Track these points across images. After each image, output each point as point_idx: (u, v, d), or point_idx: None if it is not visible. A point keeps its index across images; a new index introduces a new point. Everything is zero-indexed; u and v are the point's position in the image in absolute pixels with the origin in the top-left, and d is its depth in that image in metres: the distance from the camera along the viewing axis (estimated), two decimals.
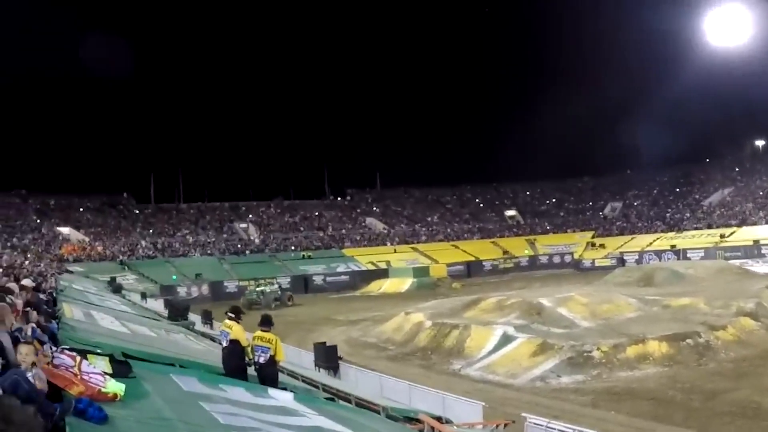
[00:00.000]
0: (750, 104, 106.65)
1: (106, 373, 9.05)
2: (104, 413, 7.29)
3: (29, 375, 7.22)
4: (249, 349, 15.88)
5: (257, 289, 73.93)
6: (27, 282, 19.06)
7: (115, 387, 8.37)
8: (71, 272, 66.87)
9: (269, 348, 15.74)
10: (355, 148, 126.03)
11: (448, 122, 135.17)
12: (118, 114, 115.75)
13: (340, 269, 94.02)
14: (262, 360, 15.76)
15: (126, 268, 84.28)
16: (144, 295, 57.67)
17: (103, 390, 8.07)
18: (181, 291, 77.21)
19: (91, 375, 8.73)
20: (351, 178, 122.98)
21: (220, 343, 17.02)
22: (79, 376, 8.48)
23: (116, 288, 58.74)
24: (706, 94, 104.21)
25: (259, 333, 16.02)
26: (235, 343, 15.90)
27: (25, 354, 7.93)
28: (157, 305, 50.54)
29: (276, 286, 78.56)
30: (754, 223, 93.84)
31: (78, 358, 9.69)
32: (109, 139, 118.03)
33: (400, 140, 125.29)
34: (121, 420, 7.51)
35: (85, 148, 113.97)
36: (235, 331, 16.00)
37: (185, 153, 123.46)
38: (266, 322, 16.42)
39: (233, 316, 16.49)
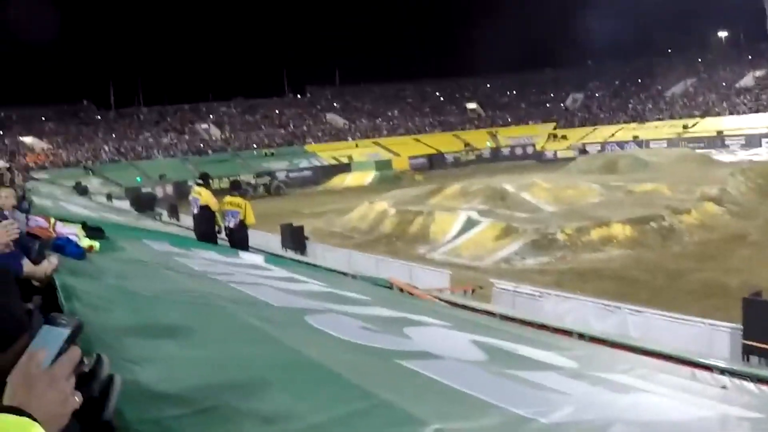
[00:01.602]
0: None
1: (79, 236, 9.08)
2: (82, 250, 7.35)
3: (6, 213, 7.26)
4: (219, 214, 15.96)
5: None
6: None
7: (90, 242, 8.42)
8: (36, 179, 66.39)
9: (239, 212, 15.82)
10: (314, 44, 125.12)
11: (407, 16, 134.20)
12: (73, 20, 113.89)
13: (303, 165, 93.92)
14: (232, 224, 15.85)
15: (90, 173, 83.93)
16: (110, 197, 57.55)
17: (78, 243, 8.10)
18: (146, 191, 77.10)
19: (65, 232, 8.77)
20: (310, 75, 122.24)
21: (192, 212, 17.08)
22: (54, 233, 8.53)
23: (82, 191, 58.54)
24: None
25: (228, 198, 16.10)
26: (204, 209, 15.95)
27: (5, 197, 7.99)
28: (124, 204, 50.48)
29: (266, 177, 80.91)
30: (718, 114, 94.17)
31: (52, 220, 9.73)
32: (66, 47, 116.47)
33: (358, 35, 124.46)
34: (98, 259, 7.56)
35: (41, 58, 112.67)
36: (205, 196, 16.03)
37: (143, 56, 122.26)
38: (235, 187, 16.47)
39: (201, 182, 16.50)
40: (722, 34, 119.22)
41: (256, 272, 10.37)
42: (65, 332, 1.78)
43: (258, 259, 13.01)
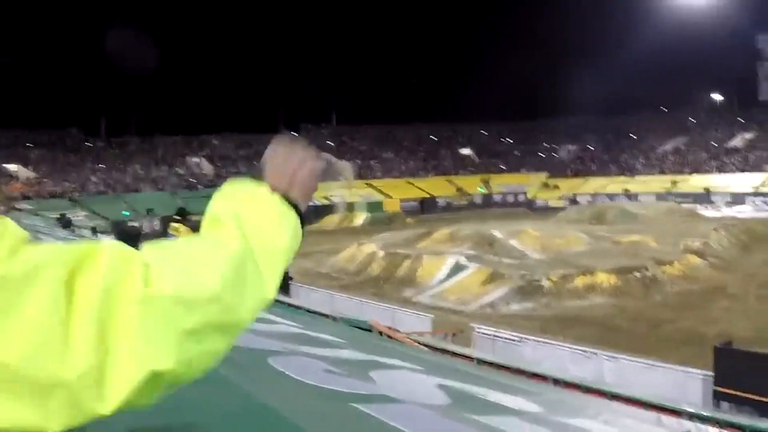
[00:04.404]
0: (711, 57, 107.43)
1: None
2: None
3: None
4: None
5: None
6: None
7: None
8: (19, 210, 65.68)
9: None
10: (311, 83, 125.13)
11: (405, 60, 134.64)
12: (67, 45, 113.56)
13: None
14: None
15: (76, 204, 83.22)
16: (95, 230, 56.98)
17: None
18: (132, 226, 76.23)
19: None
20: (306, 113, 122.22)
21: None
22: None
23: (66, 223, 58.10)
24: (668, 43, 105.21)
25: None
26: None
27: None
28: (109, 240, 50.04)
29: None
30: (706, 172, 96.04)
31: None
32: (59, 72, 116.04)
33: (357, 76, 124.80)
34: None
35: (32, 82, 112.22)
36: (183, 233, 15.97)
37: (137, 86, 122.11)
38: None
39: (179, 218, 16.48)
40: (716, 96, 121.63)
41: None
42: None
43: None
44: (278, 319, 10.90)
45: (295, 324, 10.73)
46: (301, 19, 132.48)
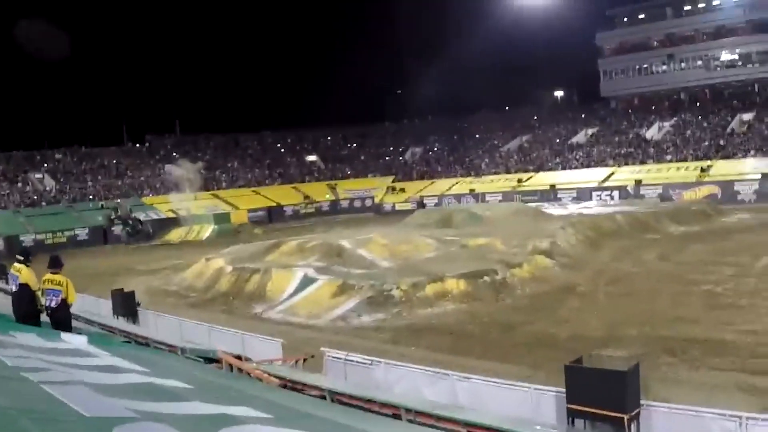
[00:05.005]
0: (552, 56, 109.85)
1: None
2: None
3: None
4: (40, 293, 15.50)
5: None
6: None
7: None
8: None
9: (60, 290, 15.35)
10: (154, 93, 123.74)
11: (248, 67, 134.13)
12: None
13: (140, 218, 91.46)
14: (53, 304, 15.35)
15: None
16: None
17: None
18: None
19: None
20: (150, 124, 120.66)
21: (11, 290, 16.63)
22: None
23: None
24: (509, 43, 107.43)
25: (48, 276, 15.59)
26: (24, 287, 15.48)
27: None
28: None
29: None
30: (551, 169, 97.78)
31: None
32: None
33: (200, 85, 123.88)
34: None
35: None
36: (24, 274, 15.56)
37: None
38: (55, 263, 15.99)
39: (22, 258, 16.05)
40: (558, 93, 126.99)
41: (76, 361, 10.02)
42: None
43: (81, 341, 12.67)
44: (124, 365, 10.64)
45: (141, 369, 10.46)
46: (140, 28, 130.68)
